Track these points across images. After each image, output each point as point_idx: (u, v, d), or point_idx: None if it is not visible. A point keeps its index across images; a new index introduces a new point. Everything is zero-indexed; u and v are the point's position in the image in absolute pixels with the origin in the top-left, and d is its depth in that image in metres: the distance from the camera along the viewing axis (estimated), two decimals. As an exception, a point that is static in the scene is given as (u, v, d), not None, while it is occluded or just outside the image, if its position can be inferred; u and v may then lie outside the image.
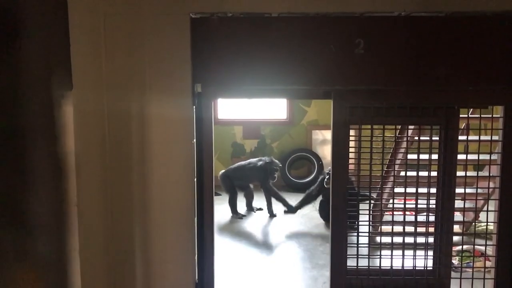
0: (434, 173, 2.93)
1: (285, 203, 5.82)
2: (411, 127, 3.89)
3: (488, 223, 2.96)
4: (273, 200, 5.85)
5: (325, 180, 5.44)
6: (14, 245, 1.89)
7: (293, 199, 6.36)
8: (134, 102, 2.70)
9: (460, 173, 2.99)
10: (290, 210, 5.80)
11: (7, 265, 1.89)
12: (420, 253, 2.92)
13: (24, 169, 1.92)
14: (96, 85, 2.61)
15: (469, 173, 2.93)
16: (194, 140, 2.79)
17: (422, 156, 2.93)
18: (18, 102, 1.88)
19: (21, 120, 1.88)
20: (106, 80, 2.67)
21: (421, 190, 2.93)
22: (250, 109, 7.35)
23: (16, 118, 1.87)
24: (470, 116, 3.28)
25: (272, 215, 5.85)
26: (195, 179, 2.81)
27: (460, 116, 2.86)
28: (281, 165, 6.17)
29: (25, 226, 1.93)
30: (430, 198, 2.91)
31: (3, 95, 1.85)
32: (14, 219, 1.88)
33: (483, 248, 3.48)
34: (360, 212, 3.06)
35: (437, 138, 2.88)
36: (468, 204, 4.12)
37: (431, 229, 2.96)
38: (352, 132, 2.87)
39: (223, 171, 6.13)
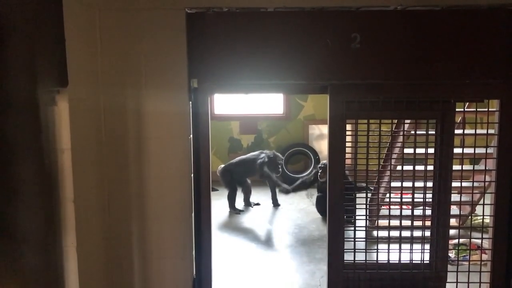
0: (430, 167, 2.94)
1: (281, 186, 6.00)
2: (407, 121, 3.89)
3: (484, 217, 2.97)
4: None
5: (319, 173, 5.49)
6: (1, 257, 1.87)
7: (290, 194, 6.38)
8: (130, 98, 2.70)
9: (456, 167, 2.99)
10: (286, 191, 5.88)
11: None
12: (417, 246, 2.93)
13: (10, 181, 1.90)
14: (91, 81, 2.59)
15: (465, 167, 2.93)
16: (191, 135, 2.79)
17: (419, 150, 2.93)
18: (4, 116, 1.86)
19: (6, 134, 1.86)
20: (101, 75, 2.66)
21: (417, 184, 2.93)
22: (247, 104, 7.34)
23: (1, 132, 1.85)
24: (466, 110, 3.29)
25: (276, 204, 5.93)
26: (192, 175, 2.81)
27: (456, 110, 2.87)
28: (283, 158, 6.24)
29: (13, 238, 1.91)
30: (427, 192, 2.92)
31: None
32: (1, 232, 1.86)
33: (479, 241, 3.51)
34: (357, 206, 3.07)
35: (434, 132, 2.89)
36: (465, 198, 4.13)
37: (428, 223, 2.97)
38: (348, 127, 2.87)
39: (223, 165, 6.12)
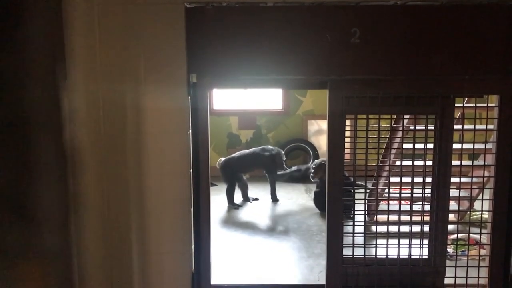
0: (429, 162, 2.94)
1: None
2: (406, 116, 3.89)
3: (483, 212, 2.97)
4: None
5: (311, 174, 5.52)
6: (21, 238, 1.88)
7: (288, 189, 6.40)
8: (129, 93, 2.69)
9: (455, 162, 3.00)
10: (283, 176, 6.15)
11: (13, 258, 1.88)
12: (416, 242, 2.94)
13: (30, 161, 1.90)
14: (90, 75, 2.59)
15: (464, 162, 2.93)
16: (190, 130, 2.78)
17: (418, 146, 2.93)
18: (22, 93, 1.86)
19: (25, 111, 1.86)
20: (100, 70, 2.65)
21: (416, 179, 2.94)
22: (246, 100, 7.32)
23: (20, 109, 1.86)
24: (465, 105, 3.29)
25: (275, 199, 5.96)
26: (191, 170, 2.81)
27: (456, 105, 2.87)
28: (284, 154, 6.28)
29: (32, 219, 1.92)
30: (426, 187, 2.93)
31: (6, 85, 1.83)
32: (20, 213, 1.87)
33: (478, 236, 3.52)
34: (356, 201, 3.07)
35: (433, 128, 2.89)
36: (463, 193, 4.14)
37: (427, 218, 2.98)
38: (347, 122, 2.87)
39: (223, 158, 6.11)
